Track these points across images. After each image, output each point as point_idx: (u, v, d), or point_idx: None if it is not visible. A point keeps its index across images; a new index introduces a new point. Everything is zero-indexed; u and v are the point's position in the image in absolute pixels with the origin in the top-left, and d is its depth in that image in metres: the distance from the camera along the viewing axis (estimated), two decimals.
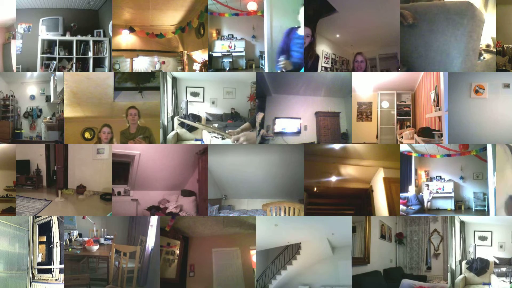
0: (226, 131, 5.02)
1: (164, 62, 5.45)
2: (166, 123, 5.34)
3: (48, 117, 5.27)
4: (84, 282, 4.75)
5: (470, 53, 4.50)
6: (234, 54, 5.64)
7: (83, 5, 5.42)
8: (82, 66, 5.35)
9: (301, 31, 4.77)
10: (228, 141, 5.16)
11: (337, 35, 5.11)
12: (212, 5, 5.18)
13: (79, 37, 5.38)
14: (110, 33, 5.22)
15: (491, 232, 5.15)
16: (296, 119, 5.57)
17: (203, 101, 5.81)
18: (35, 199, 5.00)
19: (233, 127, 5.23)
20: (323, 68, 5.07)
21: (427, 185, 5.30)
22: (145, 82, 5.11)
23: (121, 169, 5.08)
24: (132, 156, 5.17)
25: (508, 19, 4.97)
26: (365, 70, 4.96)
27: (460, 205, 5.33)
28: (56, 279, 4.74)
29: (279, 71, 4.87)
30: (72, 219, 5.10)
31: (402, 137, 5.30)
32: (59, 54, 5.33)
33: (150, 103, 5.00)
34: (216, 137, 5.30)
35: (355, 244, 5.02)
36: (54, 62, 5.30)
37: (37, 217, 4.85)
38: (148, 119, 4.95)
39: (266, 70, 5.05)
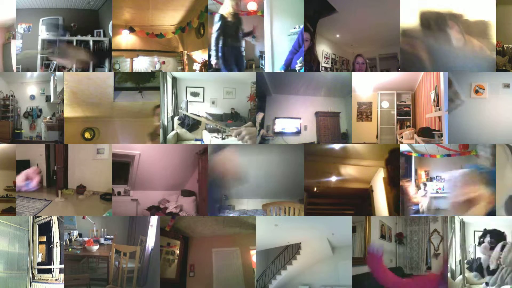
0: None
1: (164, 62, 5.45)
2: (166, 123, 5.33)
3: (48, 117, 5.27)
4: (84, 282, 4.76)
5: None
6: None
7: (83, 5, 5.42)
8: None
9: None
10: (228, 141, 5.16)
11: (337, 35, 5.11)
12: (212, 5, 5.17)
13: (79, 37, 5.38)
14: (110, 33, 5.21)
15: None
16: (296, 119, 5.57)
17: (203, 101, 5.81)
18: (35, 199, 4.99)
19: (233, 127, 5.23)
20: (323, 68, 5.08)
21: (425, 185, 5.26)
22: (145, 82, 5.10)
23: (121, 169, 5.08)
24: (132, 156, 5.17)
25: (508, 19, 4.97)
26: (365, 71, 4.98)
27: None
28: (56, 279, 4.74)
29: (282, 71, 4.89)
30: (72, 219, 5.10)
31: (402, 137, 5.30)
32: None
33: (150, 103, 5.01)
34: (216, 137, 5.30)
35: (355, 244, 5.02)
36: (54, 62, 5.29)
37: (37, 217, 4.85)
38: (148, 119, 4.95)
39: (266, 70, 5.05)
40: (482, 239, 4.91)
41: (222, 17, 5.02)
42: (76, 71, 5.29)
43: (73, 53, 4.00)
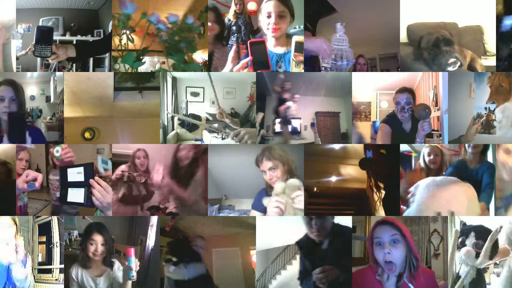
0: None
1: (164, 62, 5.45)
2: (166, 123, 5.34)
3: (48, 117, 5.26)
4: None
5: None
6: None
7: (83, 5, 5.42)
8: (82, 66, 5.35)
9: None
10: (227, 141, 5.17)
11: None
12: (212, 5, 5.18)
13: (79, 37, 5.38)
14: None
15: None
16: (296, 119, 5.57)
17: (203, 101, 5.81)
18: (35, 199, 4.99)
19: (233, 127, 5.25)
20: (323, 68, 5.08)
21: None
22: (145, 82, 5.11)
23: None
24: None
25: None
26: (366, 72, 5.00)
27: None
28: (56, 279, 4.73)
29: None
30: (72, 219, 5.09)
31: None
32: None
33: (150, 103, 5.01)
34: (216, 137, 5.31)
35: (355, 244, 5.03)
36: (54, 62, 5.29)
37: (37, 217, 4.85)
38: (148, 119, 4.95)
39: None
40: (463, 240, 3.67)
41: (228, 20, 5.19)
42: (76, 71, 5.30)
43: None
